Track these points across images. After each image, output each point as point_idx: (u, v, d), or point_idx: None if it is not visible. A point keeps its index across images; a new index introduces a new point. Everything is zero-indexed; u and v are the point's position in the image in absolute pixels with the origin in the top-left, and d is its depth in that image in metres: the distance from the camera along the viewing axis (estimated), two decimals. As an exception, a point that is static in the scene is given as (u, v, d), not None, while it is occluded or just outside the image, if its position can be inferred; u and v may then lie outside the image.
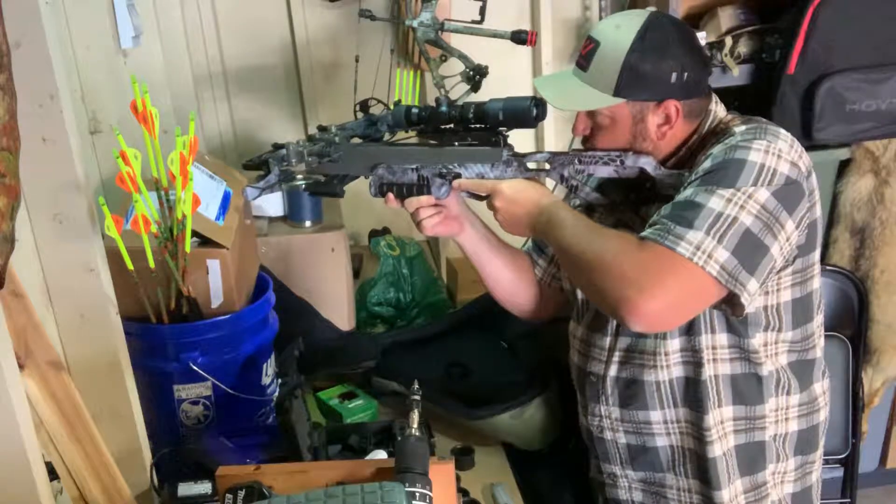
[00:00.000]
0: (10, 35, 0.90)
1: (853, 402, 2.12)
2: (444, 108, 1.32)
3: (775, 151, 1.18)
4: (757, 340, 1.27)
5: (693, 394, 1.30)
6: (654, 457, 1.36)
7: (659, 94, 1.26)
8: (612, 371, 1.36)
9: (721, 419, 1.29)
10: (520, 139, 1.35)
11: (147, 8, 1.98)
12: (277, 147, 1.37)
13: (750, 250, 1.14)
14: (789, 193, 1.17)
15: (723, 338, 1.28)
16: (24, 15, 1.05)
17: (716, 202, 1.14)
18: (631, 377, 1.34)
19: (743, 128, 1.24)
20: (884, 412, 2.54)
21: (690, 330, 1.28)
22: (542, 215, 1.29)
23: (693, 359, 1.29)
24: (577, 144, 1.38)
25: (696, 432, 1.31)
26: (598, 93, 1.27)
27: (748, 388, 1.29)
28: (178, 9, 2.22)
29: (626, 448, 1.39)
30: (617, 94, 1.26)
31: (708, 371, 1.28)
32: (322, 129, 1.44)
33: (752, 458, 1.32)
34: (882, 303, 2.25)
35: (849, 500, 2.12)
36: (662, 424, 1.34)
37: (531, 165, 1.35)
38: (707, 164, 1.20)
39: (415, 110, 1.36)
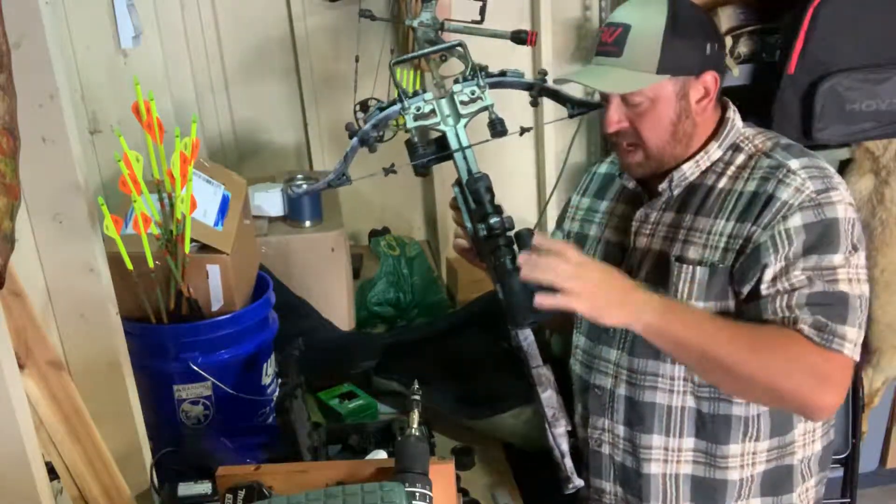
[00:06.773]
0: (10, 35, 0.90)
1: (853, 402, 2.11)
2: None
3: (848, 200, 1.22)
4: None
5: (712, 425, 1.28)
6: (644, 483, 1.33)
7: (698, 66, 1.24)
8: (622, 389, 1.32)
9: (754, 450, 1.28)
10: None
11: (147, 8, 1.98)
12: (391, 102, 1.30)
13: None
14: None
15: None
16: (24, 15, 1.05)
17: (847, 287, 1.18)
18: (640, 398, 1.30)
19: (798, 165, 1.24)
20: (884, 412, 2.54)
21: None
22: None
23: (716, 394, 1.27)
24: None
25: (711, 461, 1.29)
26: (641, 73, 1.22)
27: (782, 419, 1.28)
28: (178, 9, 2.22)
29: (621, 467, 1.35)
30: (661, 71, 1.22)
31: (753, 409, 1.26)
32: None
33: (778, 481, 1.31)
34: (882, 303, 2.24)
35: (849, 499, 2.11)
36: (662, 451, 1.31)
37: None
38: (798, 227, 1.19)
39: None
